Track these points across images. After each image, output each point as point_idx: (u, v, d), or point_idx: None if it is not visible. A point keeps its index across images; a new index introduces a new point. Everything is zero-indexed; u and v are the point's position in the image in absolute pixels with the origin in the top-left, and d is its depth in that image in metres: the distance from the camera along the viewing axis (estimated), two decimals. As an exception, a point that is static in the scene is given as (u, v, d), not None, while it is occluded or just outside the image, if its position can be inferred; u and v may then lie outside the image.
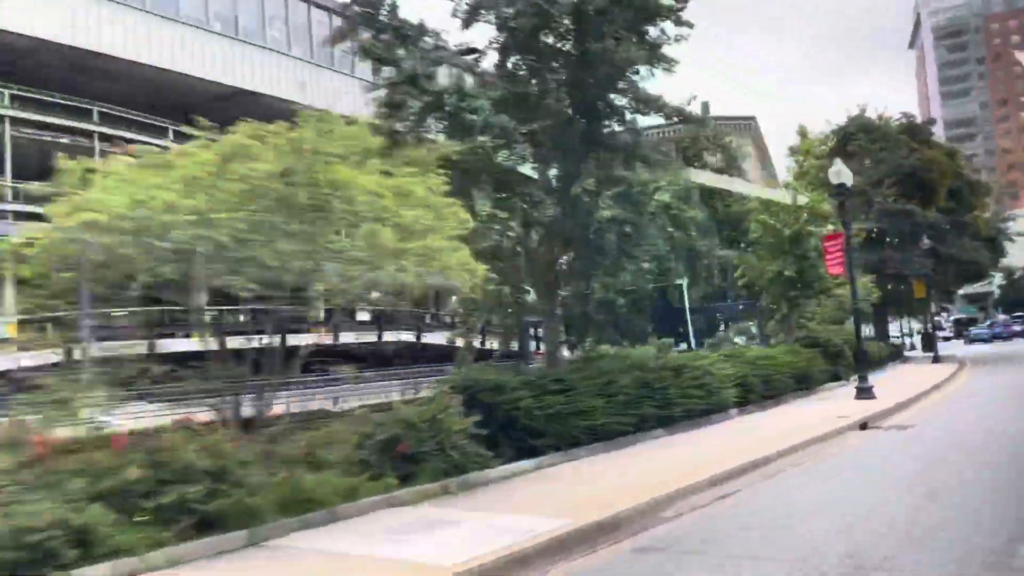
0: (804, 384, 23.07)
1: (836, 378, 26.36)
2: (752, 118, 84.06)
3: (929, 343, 59.04)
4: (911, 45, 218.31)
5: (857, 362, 21.43)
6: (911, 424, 16.64)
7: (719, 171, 15.52)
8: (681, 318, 30.15)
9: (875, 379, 28.66)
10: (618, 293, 18.35)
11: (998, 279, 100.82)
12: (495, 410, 12.02)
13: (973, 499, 9.09)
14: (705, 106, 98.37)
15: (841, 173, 21.17)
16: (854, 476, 11.28)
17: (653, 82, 14.10)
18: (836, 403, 20.42)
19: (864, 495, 9.76)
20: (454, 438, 10.99)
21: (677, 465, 11.73)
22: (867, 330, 51.75)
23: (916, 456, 12.60)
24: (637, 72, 13.82)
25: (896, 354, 43.81)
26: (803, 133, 25.87)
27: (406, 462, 10.64)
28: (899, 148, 40.45)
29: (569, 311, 13.60)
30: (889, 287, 40.28)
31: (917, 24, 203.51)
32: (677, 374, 16.25)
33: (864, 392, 20.92)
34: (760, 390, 19.48)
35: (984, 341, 76.30)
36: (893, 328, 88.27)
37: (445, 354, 33.65)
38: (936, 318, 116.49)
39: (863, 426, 16.83)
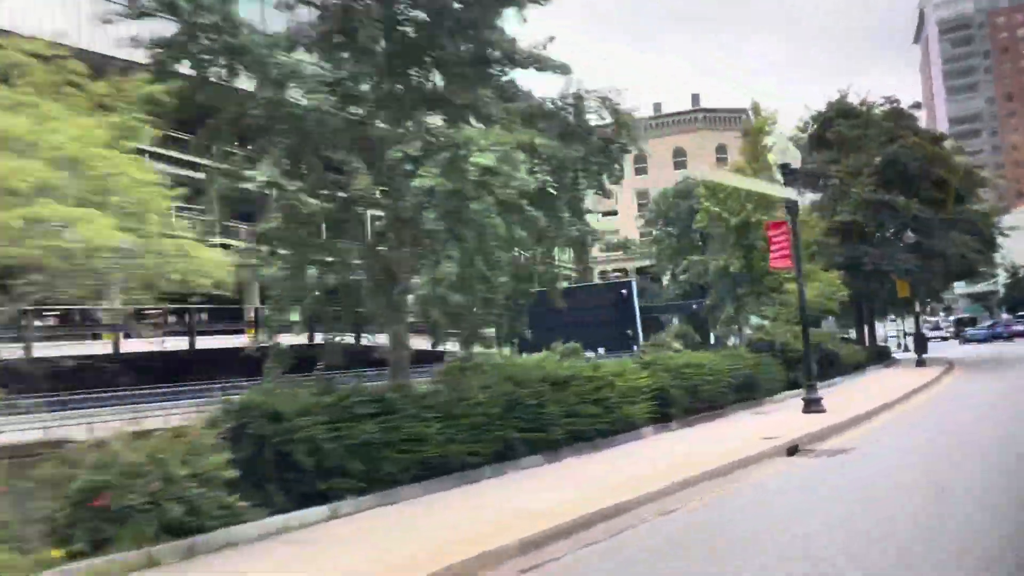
0: (750, 394, 20.19)
1: (795, 386, 23.46)
2: (743, 111, 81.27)
3: (921, 344, 56.25)
4: (916, 40, 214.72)
5: (806, 370, 18.51)
6: (850, 447, 13.72)
7: (608, 142, 13.04)
8: (631, 320, 27.26)
9: (843, 387, 26.04)
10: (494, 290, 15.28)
11: (1002, 277, 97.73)
12: (266, 444, 9.16)
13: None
14: (695, 98, 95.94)
15: (787, 152, 18.31)
16: (732, 536, 8.38)
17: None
18: (777, 418, 17.54)
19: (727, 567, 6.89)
20: (185, 485, 8.15)
21: (496, 517, 8.86)
22: (849, 331, 48.95)
23: (835, 497, 9.72)
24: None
25: (881, 356, 40.82)
26: (756, 110, 22.84)
27: (109, 521, 7.83)
28: (880, 134, 37.39)
29: (425, 309, 10.67)
30: (870, 284, 37.23)
31: (922, 18, 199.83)
32: (561, 387, 13.35)
33: (812, 405, 18.04)
34: (684, 403, 16.57)
35: (980, 342, 73.25)
36: (890, 328, 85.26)
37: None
38: (933, 317, 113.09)
39: (792, 450, 13.95)
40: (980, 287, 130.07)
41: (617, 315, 28.02)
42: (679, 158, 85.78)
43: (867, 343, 44.30)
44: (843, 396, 22.20)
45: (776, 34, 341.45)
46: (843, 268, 35.25)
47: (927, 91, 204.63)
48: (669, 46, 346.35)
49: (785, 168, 18.23)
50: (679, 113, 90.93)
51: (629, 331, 27.37)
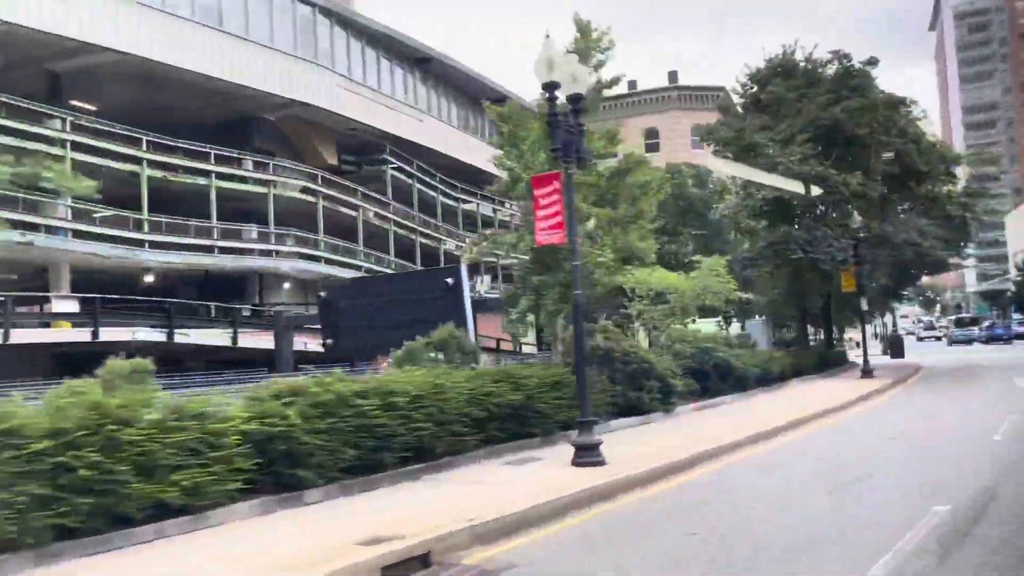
0: (527, 429, 13.85)
1: (633, 411, 17.21)
2: (722, 88, 74.77)
3: (897, 347, 49.67)
4: (932, 27, 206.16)
5: (580, 394, 12.12)
6: (506, 567, 7.43)
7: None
8: (459, 315, 20.93)
9: (711, 413, 19.45)
10: None
11: (1014, 274, 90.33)
12: None
13: None
14: (673, 75, 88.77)
15: (552, 62, 11.88)
16: None
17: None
18: (495, 479, 11.20)
19: None
20: None
21: None
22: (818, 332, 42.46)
23: None
24: None
25: (825, 364, 34.32)
26: (582, 28, 16.04)
27: None
28: (824, 95, 30.72)
29: None
30: (805, 277, 30.70)
31: (938, 3, 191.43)
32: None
33: (586, 454, 11.70)
34: (333, 461, 10.18)
35: (966, 343, 67.01)
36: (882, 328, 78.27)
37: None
38: (927, 317, 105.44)
39: (425, 561, 7.72)
40: (994, 285, 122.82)
41: (443, 309, 21.72)
42: (652, 139, 78.98)
43: (816, 346, 37.93)
44: (687, 430, 15.84)
45: (791, 24, 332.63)
46: (771, 256, 28.86)
47: (942, 81, 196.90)
48: (681, 34, 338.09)
49: (551, 89, 11.86)
50: (654, 91, 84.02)
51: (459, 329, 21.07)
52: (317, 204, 39.95)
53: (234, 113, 38.02)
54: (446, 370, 13.73)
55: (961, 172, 36.81)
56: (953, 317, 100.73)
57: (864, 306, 30.25)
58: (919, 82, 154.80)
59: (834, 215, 30.60)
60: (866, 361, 30.72)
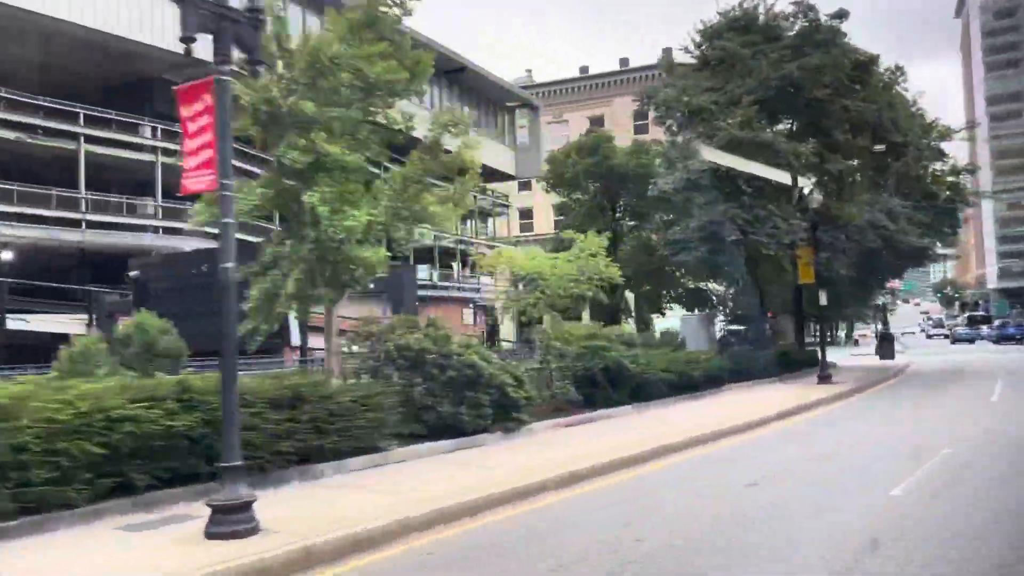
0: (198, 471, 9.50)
1: (442, 433, 12.93)
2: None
3: (887, 346, 44.83)
4: (957, 13, 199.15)
5: (226, 425, 7.84)
6: None
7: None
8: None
9: (608, 424, 15.23)
10: None
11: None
12: None
13: None
14: (624, 61, 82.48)
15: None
16: None
17: None
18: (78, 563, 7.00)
19: None
20: None
21: None
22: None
23: None
24: None
25: (801, 363, 29.89)
26: None
27: None
28: (781, 52, 26.05)
29: None
30: (761, 266, 26.17)
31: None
32: None
33: (227, 518, 7.42)
34: None
35: (968, 342, 62.59)
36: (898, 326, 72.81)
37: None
38: (937, 315, 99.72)
39: None
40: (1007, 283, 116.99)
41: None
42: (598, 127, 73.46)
43: (786, 345, 33.44)
44: (498, 461, 11.57)
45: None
46: (706, 238, 24.37)
47: (966, 71, 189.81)
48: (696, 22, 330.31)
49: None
50: (605, 75, 78.06)
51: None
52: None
53: (133, 74, 33.86)
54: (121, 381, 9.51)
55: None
56: (967, 315, 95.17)
57: (823, 299, 25.58)
58: (945, 72, 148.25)
59: (792, 193, 26.02)
60: (823, 365, 26.22)
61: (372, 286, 16.02)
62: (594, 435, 14.49)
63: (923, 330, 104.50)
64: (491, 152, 51.35)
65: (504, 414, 14.15)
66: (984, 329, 67.40)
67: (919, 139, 28.36)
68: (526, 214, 69.24)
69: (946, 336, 79.08)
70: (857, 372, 31.03)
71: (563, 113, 73.91)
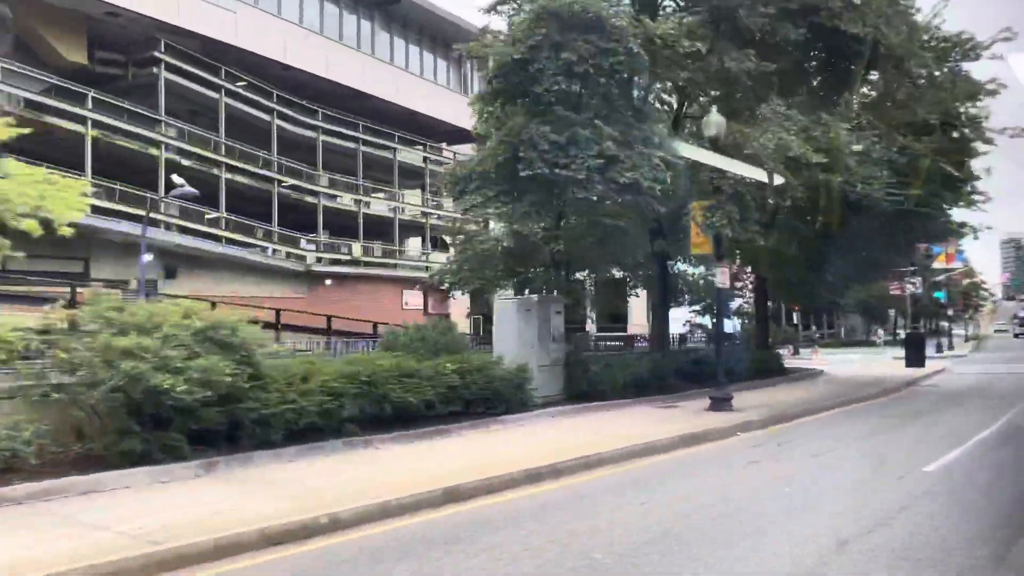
0: None
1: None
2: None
3: (917, 351, 36.48)
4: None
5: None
6: None
7: None
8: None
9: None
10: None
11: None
12: None
13: None
14: None
15: None
16: None
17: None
18: None
19: None
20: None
21: None
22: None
23: None
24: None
25: (756, 371, 23.94)
26: None
27: None
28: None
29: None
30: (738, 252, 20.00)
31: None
32: None
33: None
34: None
35: None
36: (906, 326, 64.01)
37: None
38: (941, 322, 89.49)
39: None
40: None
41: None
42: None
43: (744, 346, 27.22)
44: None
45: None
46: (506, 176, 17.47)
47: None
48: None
49: None
50: None
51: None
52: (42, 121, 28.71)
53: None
54: None
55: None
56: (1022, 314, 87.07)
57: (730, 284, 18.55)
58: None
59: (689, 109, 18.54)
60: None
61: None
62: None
63: (1005, 329, 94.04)
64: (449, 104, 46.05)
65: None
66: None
67: (922, 55, 21.24)
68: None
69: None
70: (839, 386, 23.90)
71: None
